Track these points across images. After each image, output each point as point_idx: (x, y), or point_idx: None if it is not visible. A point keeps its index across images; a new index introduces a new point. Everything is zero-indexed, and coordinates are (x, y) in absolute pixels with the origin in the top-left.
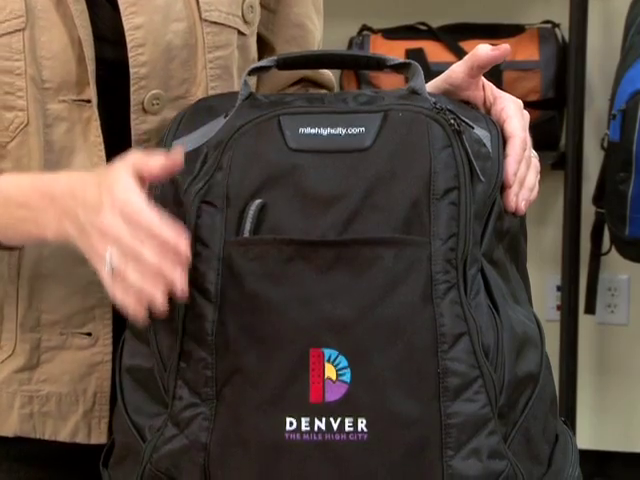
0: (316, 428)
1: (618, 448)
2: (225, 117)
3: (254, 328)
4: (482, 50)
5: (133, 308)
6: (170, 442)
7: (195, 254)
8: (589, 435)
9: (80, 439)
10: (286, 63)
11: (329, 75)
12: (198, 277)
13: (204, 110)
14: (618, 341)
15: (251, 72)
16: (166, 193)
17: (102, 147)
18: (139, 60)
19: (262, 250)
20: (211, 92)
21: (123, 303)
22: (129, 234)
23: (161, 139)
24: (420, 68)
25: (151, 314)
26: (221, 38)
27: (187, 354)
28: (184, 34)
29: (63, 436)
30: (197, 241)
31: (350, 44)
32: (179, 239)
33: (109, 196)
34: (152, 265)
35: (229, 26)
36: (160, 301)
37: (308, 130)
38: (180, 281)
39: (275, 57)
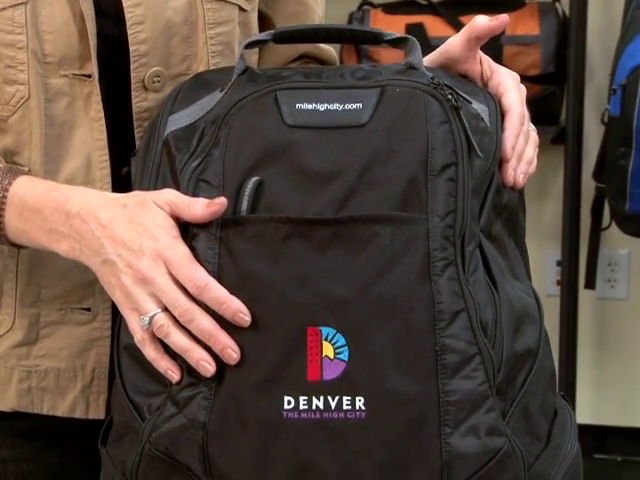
0: (314, 406)
1: (617, 423)
2: (221, 91)
3: (252, 307)
4: (480, 21)
5: (166, 369)
6: (169, 421)
7: (193, 234)
8: (588, 410)
9: (78, 414)
10: (283, 37)
11: (331, 51)
12: (195, 256)
13: (200, 85)
14: (618, 316)
15: (247, 46)
16: (165, 172)
17: (103, 122)
18: (139, 37)
19: (259, 229)
20: (213, 68)
21: (155, 363)
22: (177, 291)
23: (158, 114)
24: (417, 43)
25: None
26: (222, 14)
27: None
28: (184, 11)
29: (61, 411)
30: None
31: (350, 19)
32: (234, 300)
33: (151, 242)
34: (205, 331)
35: (230, 2)
36: (209, 366)
37: (305, 106)
38: (235, 347)
39: (272, 31)
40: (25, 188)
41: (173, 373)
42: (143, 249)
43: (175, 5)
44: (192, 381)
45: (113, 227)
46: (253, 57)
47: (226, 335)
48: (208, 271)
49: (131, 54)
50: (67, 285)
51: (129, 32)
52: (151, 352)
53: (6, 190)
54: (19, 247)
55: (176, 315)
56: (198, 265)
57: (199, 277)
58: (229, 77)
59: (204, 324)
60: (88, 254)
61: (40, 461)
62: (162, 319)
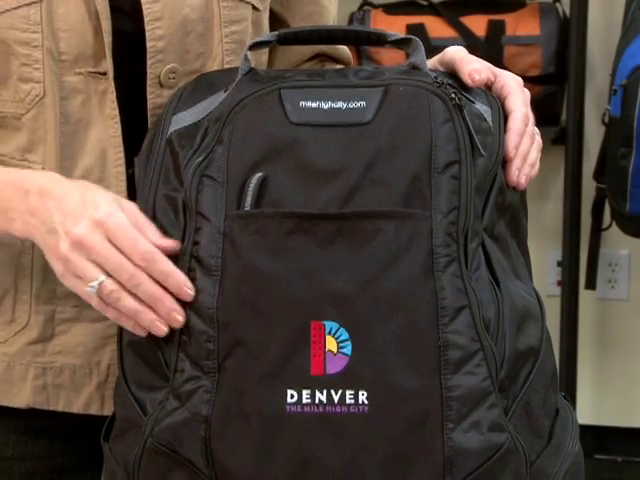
0: (317, 400)
1: (618, 423)
2: (225, 91)
3: (255, 301)
4: (469, 78)
5: (130, 327)
6: (171, 415)
7: (196, 228)
8: (589, 410)
9: (94, 411)
10: (287, 38)
11: (346, 50)
12: (199, 251)
13: (204, 85)
14: (618, 316)
15: (252, 47)
16: (168, 168)
17: (118, 120)
18: (156, 34)
19: (263, 224)
20: (226, 67)
21: (117, 321)
22: (120, 256)
23: (161, 114)
24: (421, 43)
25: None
26: (237, 13)
27: (188, 327)
28: (200, 8)
29: (77, 407)
30: (198, 215)
31: (351, 19)
32: (179, 273)
33: (92, 210)
34: (152, 294)
35: (244, 1)
36: (160, 324)
37: (309, 104)
38: (181, 311)
39: (276, 32)
40: None
41: (138, 332)
42: (84, 215)
43: (192, 2)
44: (195, 374)
45: (65, 200)
46: (263, 57)
47: (172, 299)
48: (211, 266)
49: (148, 50)
50: None
51: (147, 28)
52: (110, 313)
53: None
54: None
55: (122, 280)
56: (141, 236)
57: (146, 249)
58: (233, 78)
59: (151, 288)
60: (37, 225)
61: (44, 459)
62: (111, 284)
